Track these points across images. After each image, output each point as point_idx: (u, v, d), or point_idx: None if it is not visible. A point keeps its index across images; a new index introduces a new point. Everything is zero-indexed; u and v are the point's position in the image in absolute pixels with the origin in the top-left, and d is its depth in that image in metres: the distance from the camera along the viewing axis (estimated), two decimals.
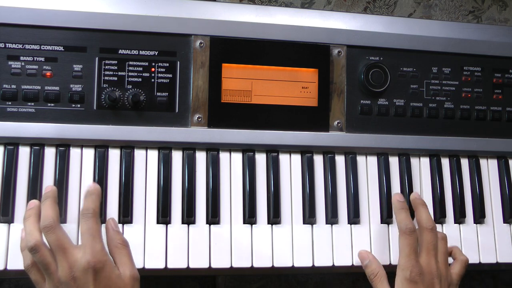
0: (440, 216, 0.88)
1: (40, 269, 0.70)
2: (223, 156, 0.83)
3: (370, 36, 0.87)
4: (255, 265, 0.80)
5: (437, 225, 0.84)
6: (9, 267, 0.73)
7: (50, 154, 0.78)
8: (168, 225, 0.79)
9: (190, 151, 0.82)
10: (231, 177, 0.83)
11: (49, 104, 0.77)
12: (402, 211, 0.83)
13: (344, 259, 0.83)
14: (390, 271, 0.81)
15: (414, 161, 0.90)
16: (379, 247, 0.85)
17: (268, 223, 0.82)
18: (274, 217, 0.82)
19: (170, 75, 0.81)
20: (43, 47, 0.78)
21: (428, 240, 0.80)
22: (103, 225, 0.75)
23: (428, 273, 0.78)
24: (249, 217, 0.81)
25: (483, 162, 0.92)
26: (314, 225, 0.84)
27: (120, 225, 0.77)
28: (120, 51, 0.80)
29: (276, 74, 0.85)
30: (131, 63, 0.80)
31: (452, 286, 0.81)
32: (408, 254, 0.78)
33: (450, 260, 0.85)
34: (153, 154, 0.81)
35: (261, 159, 0.84)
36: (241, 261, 0.80)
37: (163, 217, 0.79)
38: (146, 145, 0.81)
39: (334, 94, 0.86)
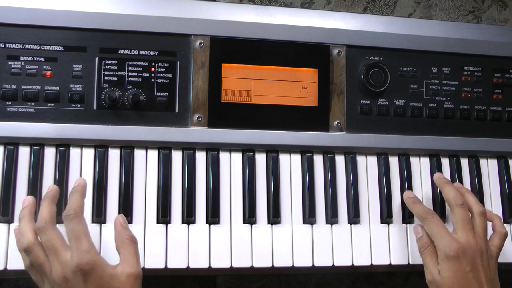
0: (440, 216, 0.87)
1: None
2: (223, 156, 0.83)
3: (370, 36, 0.87)
4: (255, 265, 0.80)
5: None
6: (9, 267, 0.73)
7: (50, 154, 0.78)
8: (168, 225, 0.79)
9: (190, 151, 0.82)
10: (231, 177, 0.83)
11: (49, 104, 0.77)
12: (416, 204, 0.84)
13: (344, 259, 0.83)
14: (392, 271, 0.81)
15: (414, 161, 0.90)
16: (379, 247, 0.85)
17: (268, 223, 0.82)
18: (274, 217, 0.82)
19: (170, 75, 0.81)
20: (43, 47, 0.78)
21: (461, 216, 0.80)
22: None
23: (468, 248, 0.77)
24: (249, 217, 0.81)
25: (483, 162, 0.92)
26: (314, 225, 0.84)
27: None
28: (120, 51, 0.80)
29: (276, 74, 0.85)
30: (131, 63, 0.80)
31: (491, 259, 0.80)
32: (445, 232, 0.78)
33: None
34: (153, 154, 0.81)
35: (261, 159, 0.84)
36: (241, 261, 0.80)
37: (163, 217, 0.79)
38: (146, 145, 0.81)
39: (334, 94, 0.86)
